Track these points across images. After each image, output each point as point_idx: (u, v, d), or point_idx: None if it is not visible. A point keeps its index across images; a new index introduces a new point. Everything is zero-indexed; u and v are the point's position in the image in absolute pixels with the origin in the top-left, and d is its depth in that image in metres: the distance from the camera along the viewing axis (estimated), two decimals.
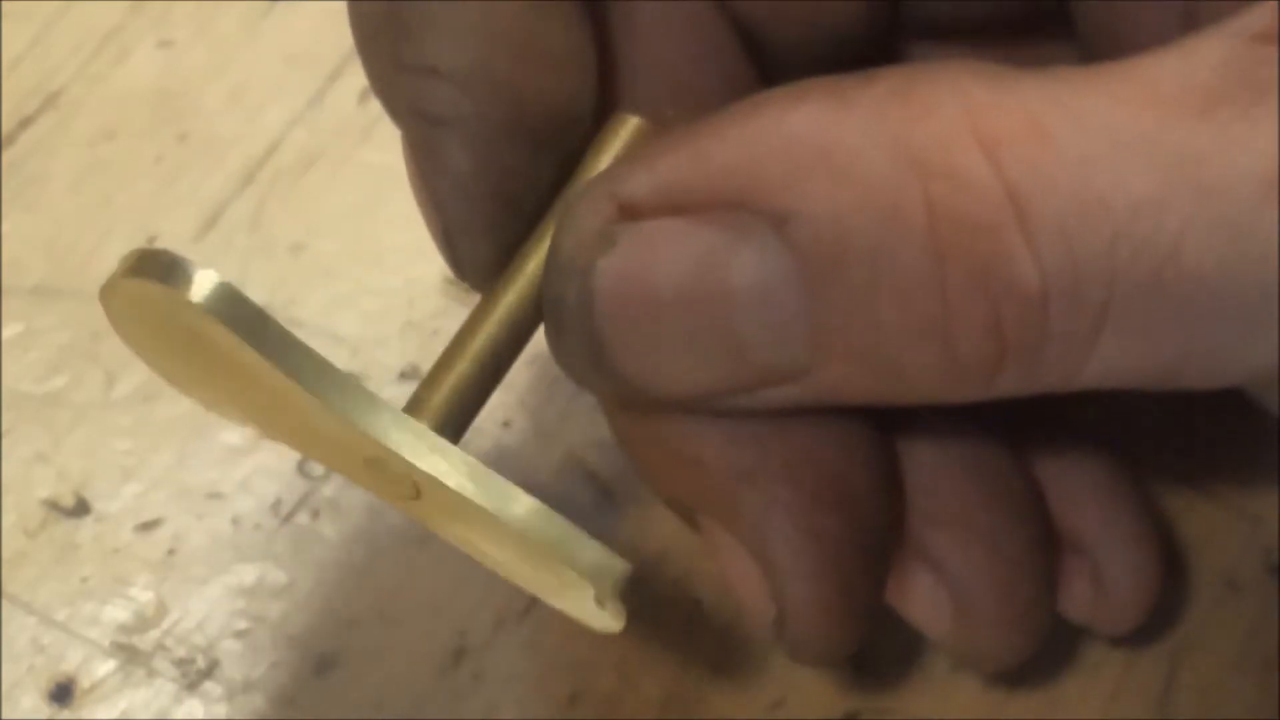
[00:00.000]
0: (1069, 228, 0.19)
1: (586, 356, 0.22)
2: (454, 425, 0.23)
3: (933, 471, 0.25)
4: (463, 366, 0.23)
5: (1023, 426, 0.26)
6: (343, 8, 0.24)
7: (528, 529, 0.21)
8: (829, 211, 0.20)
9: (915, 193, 0.19)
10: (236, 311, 0.20)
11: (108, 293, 0.21)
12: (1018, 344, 0.20)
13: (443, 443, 0.22)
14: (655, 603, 0.29)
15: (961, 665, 0.27)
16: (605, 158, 0.23)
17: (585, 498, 0.30)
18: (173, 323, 0.21)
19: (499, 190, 0.23)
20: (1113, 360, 0.20)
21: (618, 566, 0.21)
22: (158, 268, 0.20)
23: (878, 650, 0.28)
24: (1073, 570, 0.27)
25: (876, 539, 0.24)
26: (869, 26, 0.26)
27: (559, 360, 0.22)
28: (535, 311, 0.23)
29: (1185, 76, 0.19)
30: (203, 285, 0.20)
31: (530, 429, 0.31)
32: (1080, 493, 0.27)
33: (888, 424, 0.24)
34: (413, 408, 0.23)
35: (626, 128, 0.24)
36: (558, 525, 0.21)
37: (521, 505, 0.21)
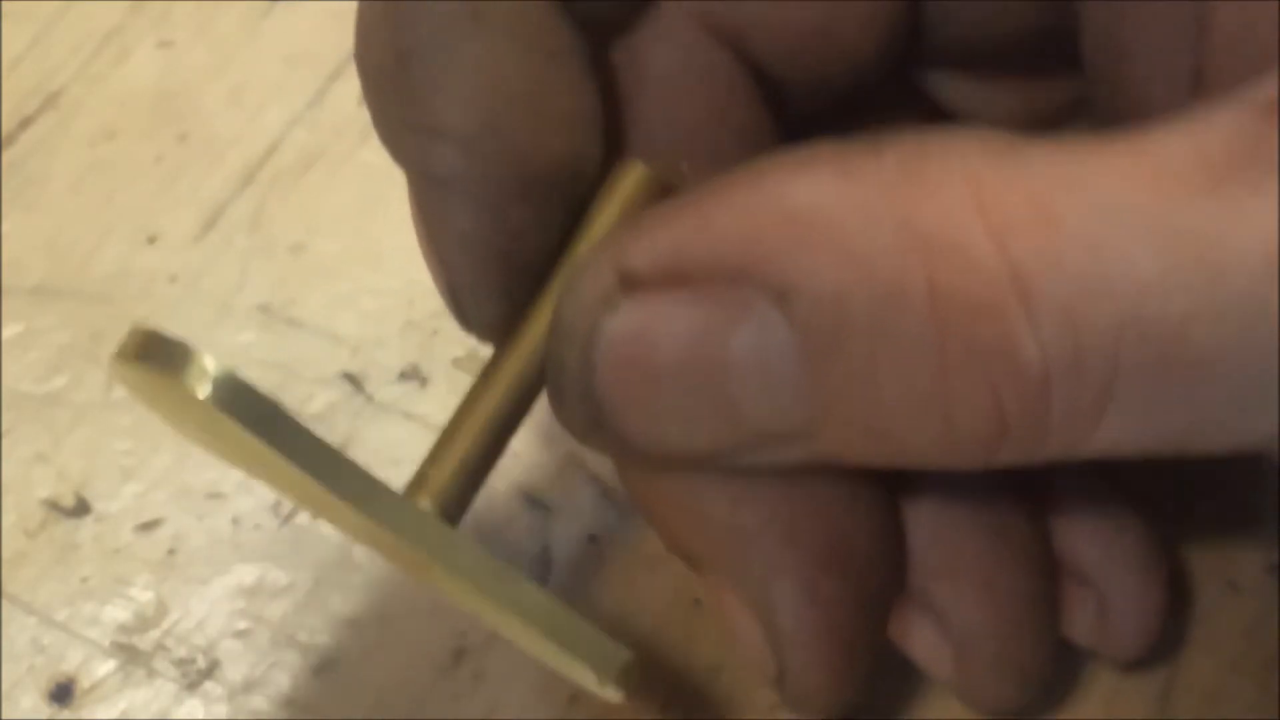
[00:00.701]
0: (1074, 309, 0.19)
1: (587, 418, 0.22)
2: (459, 502, 0.23)
3: (935, 521, 0.25)
4: (467, 444, 0.23)
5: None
6: (342, 8, 0.24)
7: (533, 620, 0.21)
8: (830, 287, 0.20)
9: (918, 271, 0.19)
10: (240, 401, 0.20)
11: (115, 367, 0.21)
12: (1019, 423, 0.20)
13: (449, 531, 0.22)
14: (655, 603, 0.29)
15: (965, 704, 0.27)
16: (612, 208, 0.23)
17: (585, 498, 0.30)
18: (180, 404, 0.21)
19: (505, 250, 0.23)
20: (1117, 435, 0.20)
21: (620, 656, 0.22)
22: (161, 355, 0.20)
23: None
24: (1077, 599, 0.27)
25: (878, 597, 0.24)
26: (884, 61, 0.26)
27: (560, 419, 0.23)
28: (538, 381, 0.23)
29: (1195, 151, 0.19)
30: (206, 375, 0.20)
31: (530, 429, 0.31)
32: (1083, 522, 0.26)
33: (890, 476, 0.24)
34: (418, 486, 0.23)
35: (632, 176, 0.23)
36: (563, 617, 0.21)
37: (527, 597, 0.21)
